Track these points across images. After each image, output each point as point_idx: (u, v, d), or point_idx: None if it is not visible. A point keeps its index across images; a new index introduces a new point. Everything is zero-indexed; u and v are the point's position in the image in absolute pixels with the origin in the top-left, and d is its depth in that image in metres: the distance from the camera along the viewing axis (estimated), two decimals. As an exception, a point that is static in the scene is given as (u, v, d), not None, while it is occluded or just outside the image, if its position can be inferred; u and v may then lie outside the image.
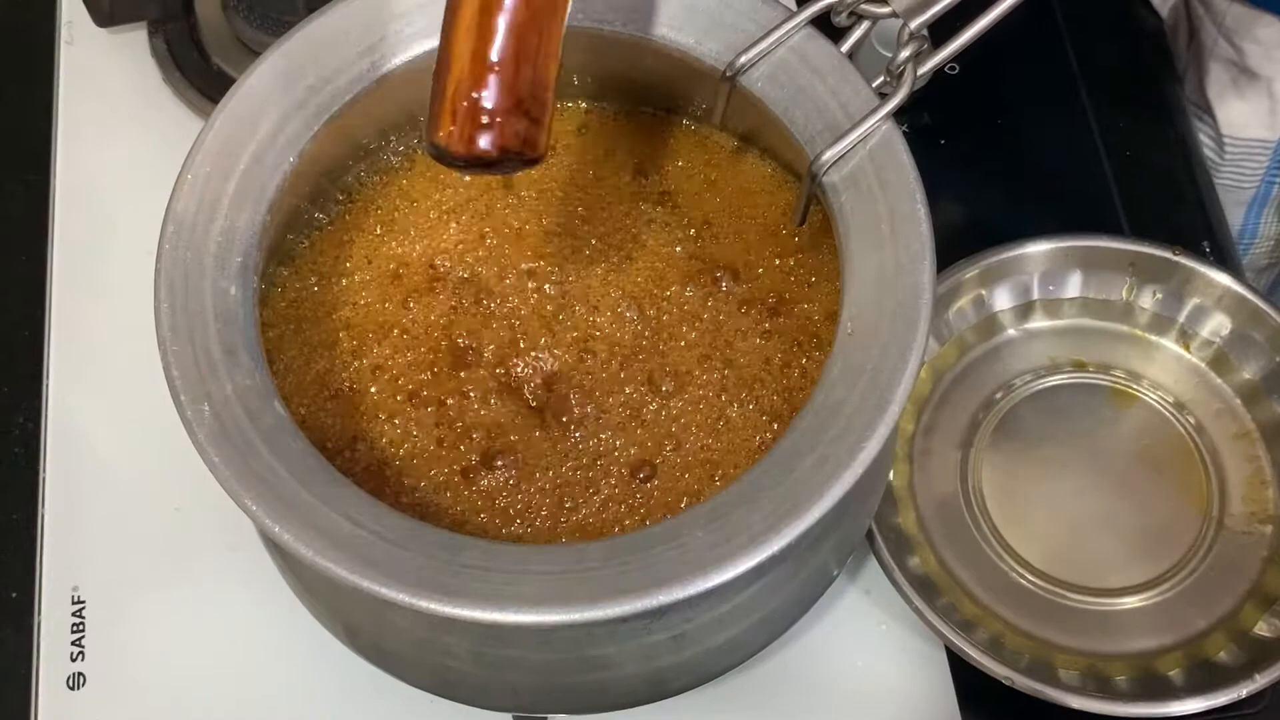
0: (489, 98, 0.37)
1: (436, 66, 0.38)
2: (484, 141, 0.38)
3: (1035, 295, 0.69)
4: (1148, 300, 0.69)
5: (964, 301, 0.68)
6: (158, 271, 0.48)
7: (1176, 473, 0.66)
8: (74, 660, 0.62)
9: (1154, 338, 0.69)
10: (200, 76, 0.75)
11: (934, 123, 0.75)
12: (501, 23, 0.37)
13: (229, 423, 0.45)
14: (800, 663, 0.63)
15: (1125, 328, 0.69)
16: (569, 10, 0.39)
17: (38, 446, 0.67)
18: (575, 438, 0.52)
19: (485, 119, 0.38)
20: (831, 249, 0.52)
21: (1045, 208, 0.75)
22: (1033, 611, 0.63)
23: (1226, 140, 0.81)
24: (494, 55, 0.37)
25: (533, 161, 0.39)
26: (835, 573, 0.56)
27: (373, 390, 0.52)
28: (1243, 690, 0.59)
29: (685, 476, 0.51)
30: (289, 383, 0.52)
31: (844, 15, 0.50)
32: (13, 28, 0.79)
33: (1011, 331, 0.69)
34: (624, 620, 0.43)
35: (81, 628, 0.63)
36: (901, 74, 0.49)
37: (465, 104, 0.37)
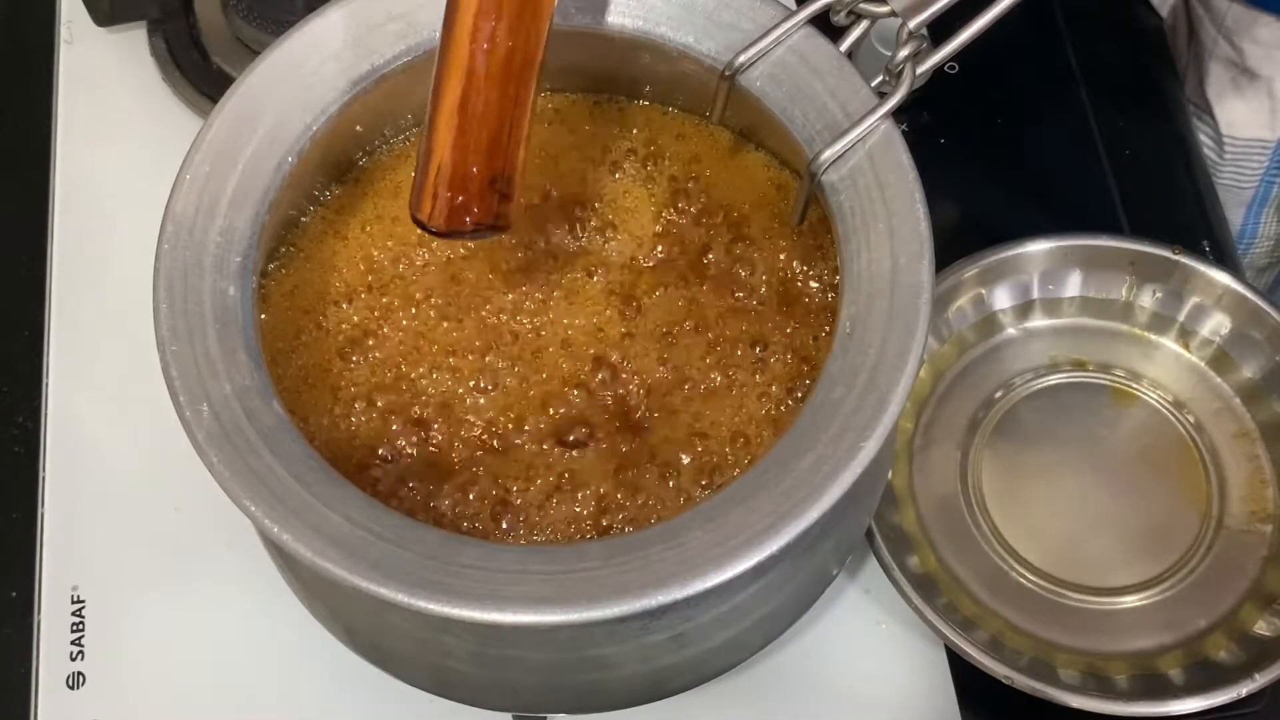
0: (465, 183, 0.43)
1: (420, 149, 0.44)
2: (459, 219, 0.44)
3: (1035, 294, 0.69)
4: (1148, 299, 0.69)
5: (963, 301, 0.68)
6: (156, 271, 0.48)
7: (1176, 472, 0.66)
8: (74, 660, 0.62)
9: (1154, 337, 0.69)
10: (200, 76, 0.75)
11: (933, 122, 0.75)
12: (476, 119, 0.42)
13: (228, 423, 0.45)
14: (800, 662, 0.63)
15: (1125, 327, 0.69)
16: (533, 103, 0.44)
17: (38, 446, 0.67)
18: (567, 438, 0.52)
19: (461, 200, 0.43)
20: (830, 247, 0.52)
21: (1045, 207, 0.75)
22: (1033, 611, 0.63)
23: (1226, 140, 0.81)
24: (469, 146, 0.43)
25: (502, 229, 0.45)
26: (835, 572, 0.56)
27: (356, 389, 0.52)
28: (1242, 690, 0.59)
29: (682, 478, 0.51)
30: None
31: (843, 14, 0.50)
32: (13, 27, 0.79)
33: (1011, 331, 0.69)
34: (623, 620, 0.43)
35: (81, 627, 0.63)
36: (900, 73, 0.49)
37: (444, 188, 0.43)
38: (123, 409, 0.68)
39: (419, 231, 0.54)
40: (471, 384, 0.52)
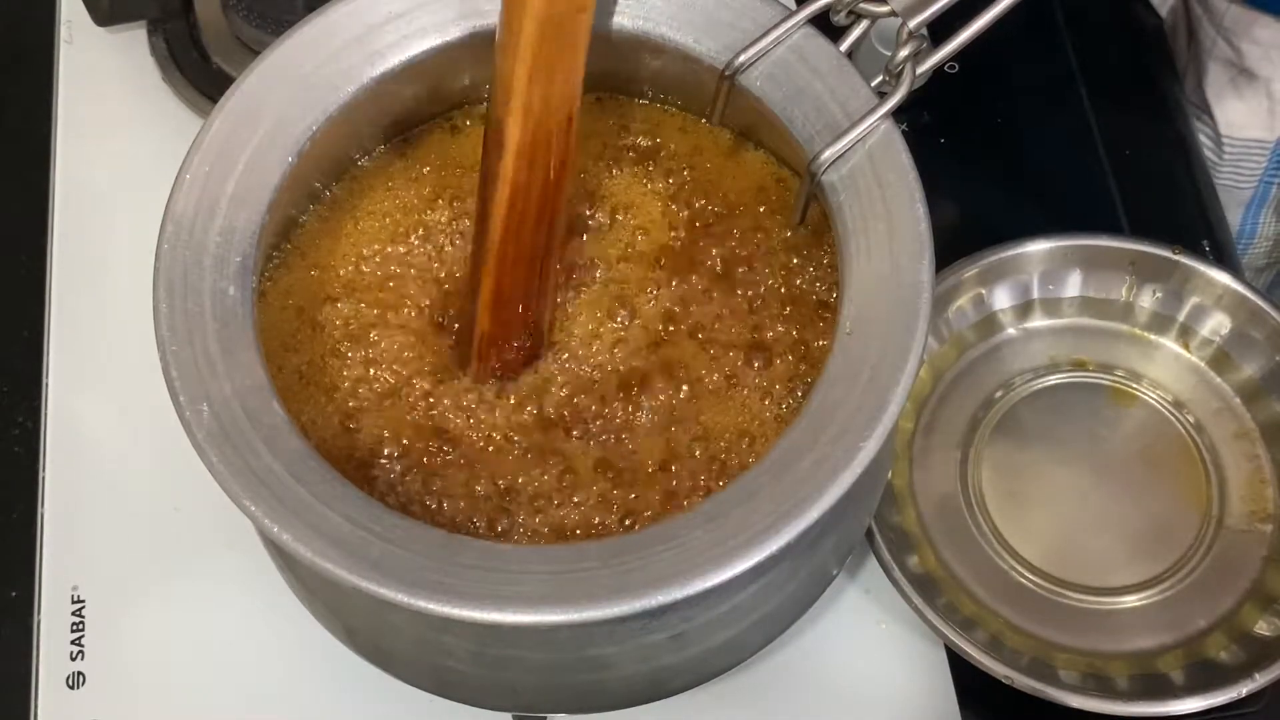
0: (504, 346, 0.52)
1: (467, 319, 0.52)
2: (501, 371, 0.52)
3: (1035, 294, 0.69)
4: (1147, 299, 0.69)
5: (963, 300, 0.68)
6: (157, 271, 0.48)
7: (1176, 472, 0.66)
8: (74, 659, 0.62)
9: (1154, 337, 0.69)
10: (200, 76, 0.75)
11: (933, 122, 0.75)
12: (508, 301, 0.51)
13: (228, 423, 0.45)
14: (800, 662, 0.63)
15: (1125, 327, 0.69)
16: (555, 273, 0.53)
17: (38, 446, 0.67)
18: (568, 436, 0.52)
19: (502, 360, 0.52)
20: (831, 247, 0.52)
21: (1045, 207, 0.75)
22: (1033, 611, 0.63)
23: (1225, 140, 0.81)
24: (505, 321, 0.51)
25: (535, 360, 0.53)
26: (835, 572, 0.56)
27: (353, 387, 0.52)
28: (1242, 690, 0.59)
29: (682, 477, 0.51)
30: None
31: (843, 14, 0.50)
32: (13, 27, 0.79)
33: (1011, 331, 0.69)
34: (623, 620, 0.43)
35: (81, 627, 0.63)
36: (900, 73, 0.49)
37: (489, 352, 0.52)
38: (123, 409, 0.68)
39: (415, 230, 0.55)
40: (469, 382, 0.52)
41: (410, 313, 0.53)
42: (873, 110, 0.49)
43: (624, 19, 0.52)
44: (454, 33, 0.52)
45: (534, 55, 0.47)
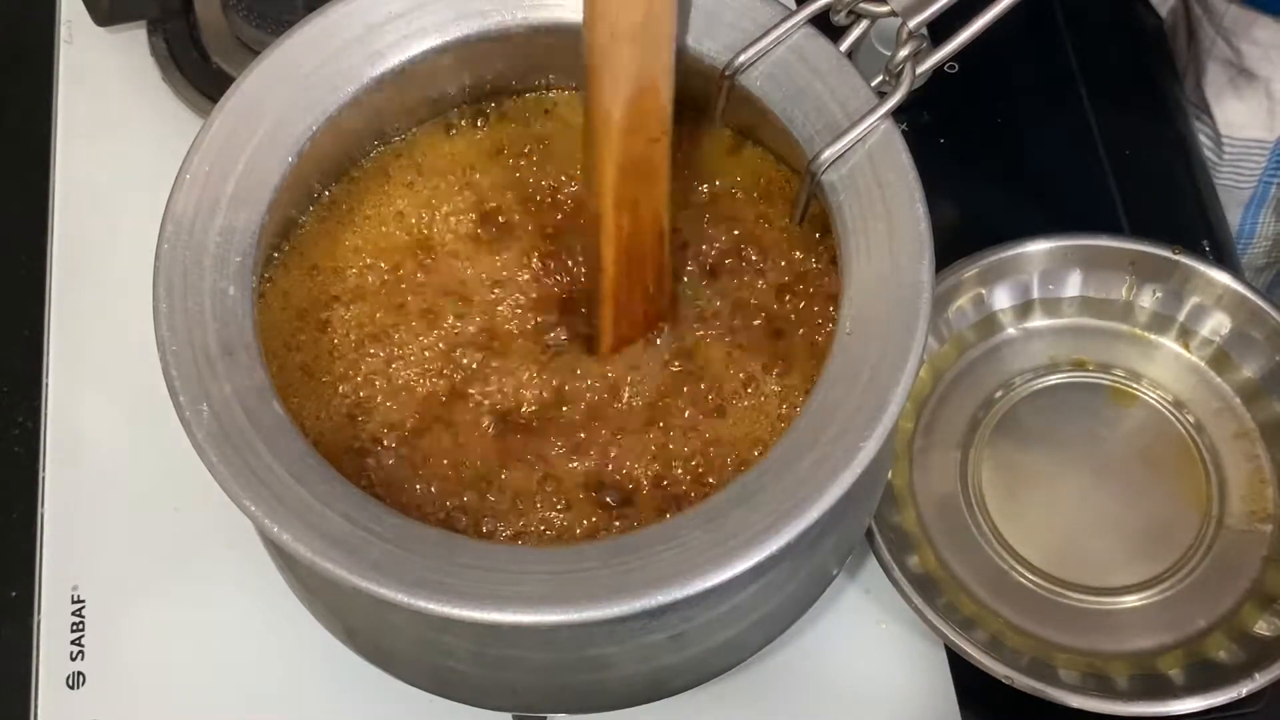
0: (631, 332, 0.53)
1: (595, 305, 0.53)
2: (628, 343, 0.53)
3: (1035, 294, 0.69)
4: (1147, 299, 0.69)
5: (963, 300, 0.68)
6: (156, 271, 0.48)
7: (1176, 472, 0.66)
8: (74, 659, 0.62)
9: (1154, 337, 0.69)
10: (200, 76, 0.75)
11: (933, 121, 0.75)
12: (636, 296, 0.52)
13: (228, 423, 0.45)
14: (800, 662, 0.63)
15: (1125, 327, 0.69)
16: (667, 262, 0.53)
17: (38, 446, 0.67)
18: (569, 436, 0.52)
19: (631, 334, 0.53)
20: (830, 247, 0.52)
21: (1045, 207, 0.75)
22: (1033, 610, 0.63)
23: (1224, 140, 0.81)
24: (629, 318, 0.53)
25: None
26: (835, 572, 0.56)
27: (354, 387, 0.52)
28: (1242, 689, 0.59)
29: (680, 476, 0.51)
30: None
31: (843, 14, 0.50)
32: (12, 27, 0.79)
33: (1011, 330, 0.69)
34: (623, 620, 0.43)
35: (81, 627, 0.63)
36: (900, 73, 0.49)
37: (621, 331, 0.53)
38: (123, 409, 0.68)
39: (417, 230, 0.55)
40: (471, 383, 0.52)
41: (409, 310, 0.53)
42: (873, 110, 0.49)
43: (624, 19, 0.52)
44: (454, 33, 0.52)
45: (618, 191, 0.50)
